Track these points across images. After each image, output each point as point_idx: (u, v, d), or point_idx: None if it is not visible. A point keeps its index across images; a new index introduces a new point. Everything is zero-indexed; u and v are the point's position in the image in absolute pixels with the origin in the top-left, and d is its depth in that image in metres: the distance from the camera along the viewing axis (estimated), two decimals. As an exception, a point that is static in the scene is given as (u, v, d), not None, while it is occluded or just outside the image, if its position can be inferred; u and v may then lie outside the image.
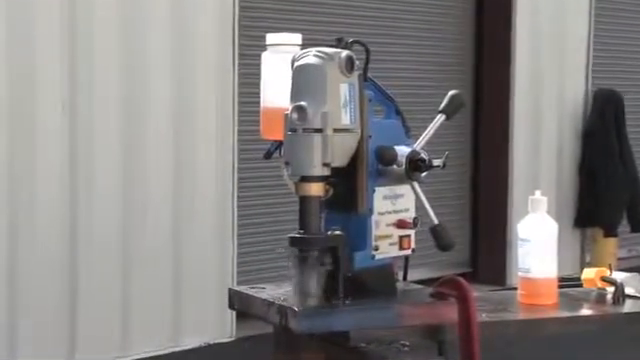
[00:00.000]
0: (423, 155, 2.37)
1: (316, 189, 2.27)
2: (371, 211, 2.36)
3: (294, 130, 2.26)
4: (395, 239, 2.42)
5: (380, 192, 2.39)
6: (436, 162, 2.39)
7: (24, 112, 5.21)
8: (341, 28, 6.57)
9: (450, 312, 2.38)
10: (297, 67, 2.30)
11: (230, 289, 2.57)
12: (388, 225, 2.40)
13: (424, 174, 2.38)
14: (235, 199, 6.07)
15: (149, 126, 5.68)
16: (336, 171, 2.29)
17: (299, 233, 2.28)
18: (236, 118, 6.02)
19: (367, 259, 2.36)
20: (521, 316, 2.88)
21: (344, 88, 2.28)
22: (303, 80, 2.28)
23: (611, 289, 3.03)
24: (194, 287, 5.87)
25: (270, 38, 2.49)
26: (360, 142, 2.32)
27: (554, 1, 7.95)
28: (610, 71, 8.48)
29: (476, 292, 2.52)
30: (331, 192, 2.30)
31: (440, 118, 2.48)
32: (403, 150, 2.37)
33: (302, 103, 2.25)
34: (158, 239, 5.73)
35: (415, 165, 2.35)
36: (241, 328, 5.98)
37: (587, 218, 8.11)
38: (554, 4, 7.93)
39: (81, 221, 5.41)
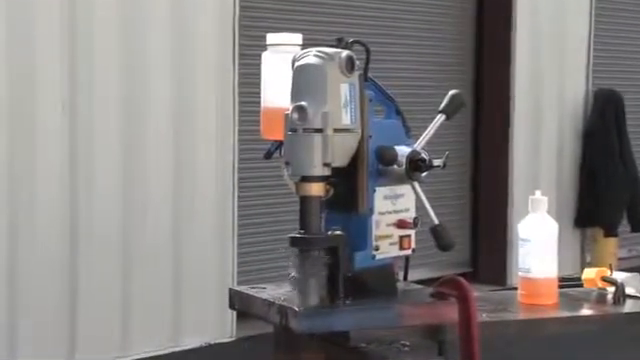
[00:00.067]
0: (423, 155, 2.37)
1: (316, 189, 2.27)
2: (371, 211, 2.36)
3: (294, 130, 2.26)
4: (395, 239, 2.42)
5: (380, 192, 2.39)
6: (436, 162, 2.39)
7: (24, 112, 5.21)
8: (341, 28, 6.57)
9: (450, 312, 2.38)
10: (297, 67, 2.30)
11: (230, 289, 2.57)
12: (388, 225, 2.40)
13: (424, 174, 2.38)
14: (235, 199, 6.07)
15: (149, 126, 5.68)
16: (336, 171, 2.29)
17: (299, 233, 2.28)
18: (236, 118, 6.02)
19: (367, 259, 2.36)
20: (521, 316, 2.88)
21: (344, 88, 2.28)
22: (303, 80, 2.28)
23: (611, 289, 3.03)
24: (194, 287, 5.87)
25: (270, 38, 2.49)
26: (360, 142, 2.32)
27: (554, 1, 7.95)
28: (610, 71, 8.48)
29: (476, 292, 2.52)
30: (331, 192, 2.30)
31: (440, 118, 2.48)
32: (403, 150, 2.37)
33: (302, 103, 2.25)
34: (158, 239, 5.73)
35: (415, 165, 2.35)
36: (241, 328, 5.98)
37: (587, 218, 8.11)
38: (554, 4, 7.93)
39: (81, 221, 5.41)
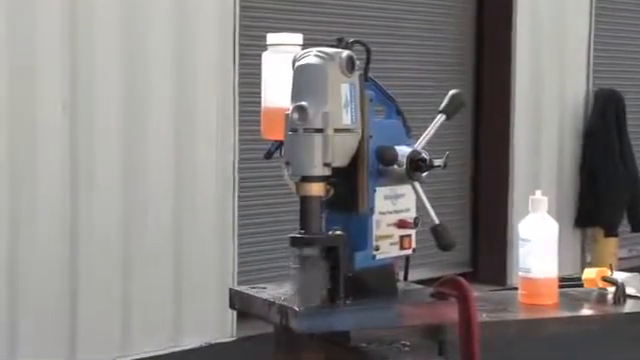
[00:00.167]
0: (424, 155, 2.37)
1: (317, 189, 2.27)
2: (372, 211, 2.36)
3: (295, 130, 2.26)
4: (396, 239, 2.42)
5: (381, 192, 2.39)
6: (437, 162, 2.39)
7: (25, 111, 5.21)
8: (342, 28, 6.57)
9: (450, 312, 2.38)
10: (298, 67, 2.30)
11: (231, 289, 2.57)
12: (389, 225, 2.40)
13: (425, 174, 2.38)
14: (236, 199, 6.07)
15: (149, 126, 5.68)
16: (337, 171, 2.29)
17: (300, 233, 2.28)
18: (237, 118, 6.02)
19: (368, 259, 2.36)
20: (521, 316, 2.88)
21: (345, 88, 2.28)
22: (304, 80, 2.28)
23: (612, 289, 3.03)
24: (195, 287, 5.87)
25: (271, 38, 2.49)
26: (361, 142, 2.32)
27: (554, 1, 7.95)
28: (611, 71, 8.48)
29: (476, 292, 2.52)
30: (332, 192, 2.30)
31: (440, 118, 2.48)
32: (404, 150, 2.37)
33: (303, 103, 2.25)
34: (159, 239, 5.73)
35: (416, 165, 2.35)
36: (242, 328, 5.98)
37: (588, 218, 8.11)
38: (554, 4, 7.93)
39: (82, 221, 5.41)
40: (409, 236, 2.44)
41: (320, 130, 2.24)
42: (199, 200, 5.90)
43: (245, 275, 6.20)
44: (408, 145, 2.40)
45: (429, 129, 2.46)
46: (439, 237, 2.35)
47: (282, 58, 2.40)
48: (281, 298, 2.35)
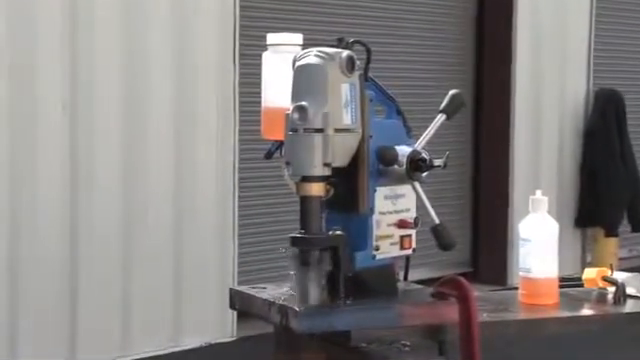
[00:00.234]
0: (424, 155, 2.37)
1: (317, 189, 2.27)
2: (372, 211, 2.36)
3: (295, 130, 2.26)
4: (396, 239, 2.42)
5: (381, 192, 2.39)
6: (437, 162, 2.39)
7: (25, 112, 5.21)
8: (342, 28, 6.57)
9: (451, 312, 2.38)
10: (298, 67, 2.30)
11: (231, 289, 2.57)
12: (389, 225, 2.40)
13: (425, 174, 2.38)
14: (236, 199, 6.07)
15: (150, 126, 5.68)
16: (337, 171, 2.29)
17: (300, 233, 2.28)
18: (237, 118, 6.02)
19: (368, 259, 2.36)
20: (522, 316, 2.88)
21: (345, 88, 2.28)
22: (304, 80, 2.28)
23: (612, 289, 3.03)
24: (195, 287, 5.87)
25: (271, 38, 2.49)
26: (361, 142, 2.32)
27: (555, 1, 7.95)
28: (611, 71, 8.48)
29: (477, 292, 2.52)
30: (332, 192, 2.30)
31: (441, 118, 2.48)
32: (404, 150, 2.37)
33: (303, 103, 2.25)
34: (159, 239, 5.73)
35: (416, 165, 2.35)
36: (242, 328, 5.98)
37: (588, 218, 8.11)
38: (555, 4, 7.93)
39: (82, 221, 5.41)
40: (409, 236, 2.44)
41: (320, 130, 2.24)
42: (199, 200, 5.90)
43: (245, 275, 6.20)
44: (408, 145, 2.40)
45: (429, 129, 2.46)
46: (439, 237, 2.35)
47: (282, 58, 2.40)
48: (281, 298, 2.35)
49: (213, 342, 5.97)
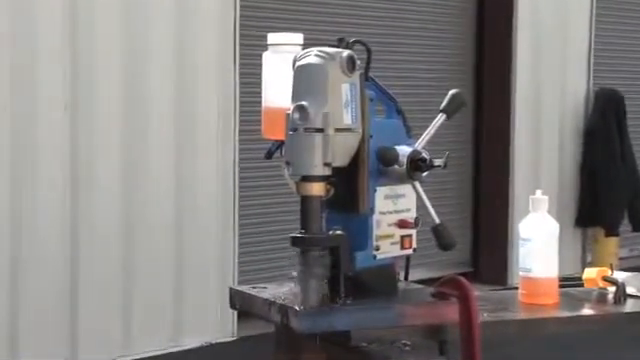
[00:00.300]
0: (424, 155, 2.36)
1: (317, 189, 2.27)
2: (372, 211, 2.36)
3: (295, 130, 2.26)
4: (396, 239, 2.41)
5: (381, 192, 2.38)
6: (437, 162, 2.38)
7: (26, 112, 5.21)
8: (342, 28, 6.57)
9: (451, 312, 2.38)
10: (298, 67, 2.30)
11: (231, 289, 2.57)
12: (389, 225, 2.40)
13: (425, 174, 2.37)
14: (236, 199, 6.08)
15: (150, 126, 5.68)
16: (337, 171, 2.29)
17: (300, 233, 2.28)
18: (237, 118, 6.02)
19: (368, 259, 2.36)
20: (522, 316, 2.88)
21: (345, 88, 2.28)
22: (304, 80, 2.28)
23: (612, 289, 3.03)
24: (195, 287, 5.87)
25: (271, 38, 2.49)
26: (361, 142, 2.32)
27: (555, 1, 7.95)
28: (611, 70, 8.48)
29: (477, 292, 2.52)
30: (332, 192, 2.30)
31: (441, 117, 2.48)
32: (404, 150, 2.37)
33: (303, 103, 2.25)
34: (159, 239, 5.73)
35: (416, 165, 2.35)
36: (242, 328, 5.98)
37: (588, 218, 8.11)
38: (555, 4, 7.93)
39: (82, 221, 5.41)
40: (410, 236, 2.44)
41: (321, 130, 2.24)
42: (199, 200, 5.90)
43: (245, 275, 6.20)
44: (408, 145, 2.40)
45: (429, 129, 2.45)
46: (440, 237, 2.35)
47: (282, 58, 2.40)
48: (282, 298, 2.35)
49: (213, 342, 5.98)
